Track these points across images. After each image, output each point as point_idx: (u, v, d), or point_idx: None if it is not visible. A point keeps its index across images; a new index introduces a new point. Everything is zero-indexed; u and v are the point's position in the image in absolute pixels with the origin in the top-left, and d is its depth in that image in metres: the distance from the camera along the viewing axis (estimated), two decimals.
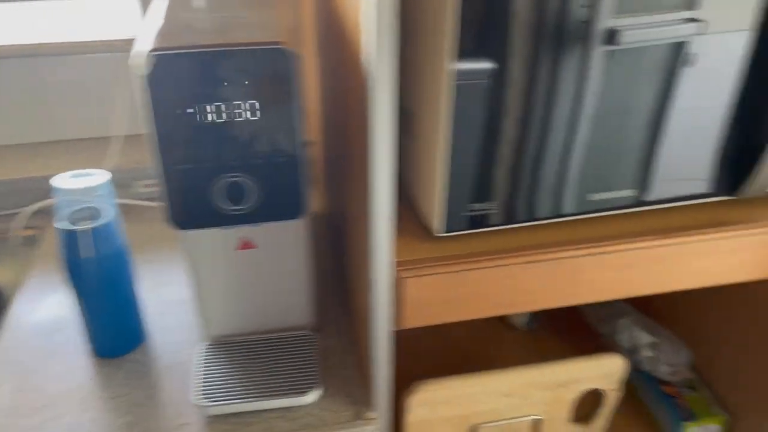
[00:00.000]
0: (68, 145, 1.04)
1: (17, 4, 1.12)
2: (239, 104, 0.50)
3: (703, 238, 0.62)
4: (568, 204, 0.60)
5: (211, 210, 0.54)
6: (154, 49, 0.49)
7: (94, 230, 0.65)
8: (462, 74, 0.50)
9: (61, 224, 0.65)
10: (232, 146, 0.52)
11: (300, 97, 0.52)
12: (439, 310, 0.59)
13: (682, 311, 0.97)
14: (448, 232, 0.58)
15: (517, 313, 1.08)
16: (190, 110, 0.51)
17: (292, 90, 0.51)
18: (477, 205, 0.58)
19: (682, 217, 0.63)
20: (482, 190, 0.57)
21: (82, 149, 1.03)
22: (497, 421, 0.81)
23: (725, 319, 0.87)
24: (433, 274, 0.57)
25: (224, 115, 0.51)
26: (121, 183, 0.99)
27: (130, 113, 1.03)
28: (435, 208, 0.57)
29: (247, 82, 0.50)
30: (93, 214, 0.67)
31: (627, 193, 0.61)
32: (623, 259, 0.61)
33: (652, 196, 0.62)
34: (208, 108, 0.51)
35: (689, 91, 0.56)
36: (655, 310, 1.01)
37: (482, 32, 0.49)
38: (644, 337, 0.94)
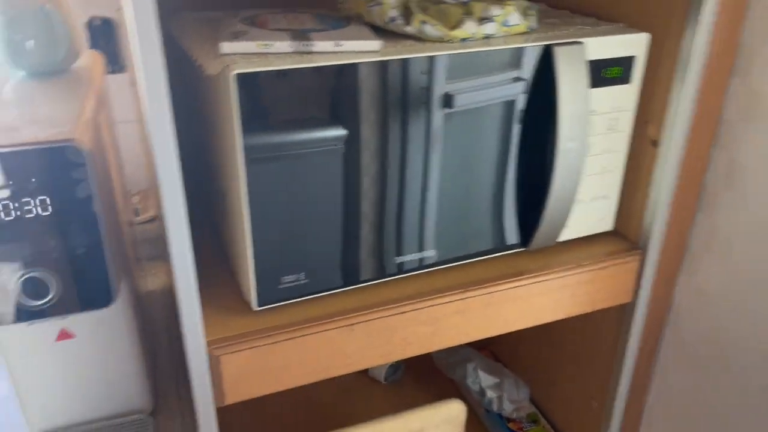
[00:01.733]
0: None
1: None
2: (26, 201, 0.51)
3: (504, 288, 0.69)
4: (378, 268, 0.65)
5: (15, 307, 0.54)
6: None
7: None
8: (251, 151, 0.54)
9: None
10: (27, 243, 0.53)
11: (96, 189, 0.53)
12: (260, 383, 0.61)
13: (522, 350, 1.04)
14: (263, 305, 0.61)
15: (376, 366, 1.12)
16: None
17: (87, 183, 0.53)
18: (289, 278, 0.61)
19: (484, 270, 0.70)
20: (291, 263, 0.60)
21: None
22: None
23: (555, 353, 0.95)
24: (248, 348, 0.59)
25: (15, 212, 0.52)
26: None
27: None
28: (249, 283, 0.60)
29: (36, 179, 0.51)
30: None
31: (431, 253, 0.67)
32: (433, 314, 0.66)
33: (455, 253, 0.68)
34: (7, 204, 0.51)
35: (495, 147, 0.63)
36: (498, 350, 1.08)
37: (265, 112, 0.53)
38: (488, 379, 1.00)
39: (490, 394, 1.00)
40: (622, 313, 0.78)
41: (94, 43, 0.92)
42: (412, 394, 1.07)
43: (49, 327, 0.64)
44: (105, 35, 0.94)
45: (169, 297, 0.96)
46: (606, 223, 0.76)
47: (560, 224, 0.71)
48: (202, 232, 0.72)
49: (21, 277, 0.53)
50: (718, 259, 0.72)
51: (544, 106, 0.63)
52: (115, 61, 0.95)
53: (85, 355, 0.67)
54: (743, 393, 0.73)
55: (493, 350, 1.13)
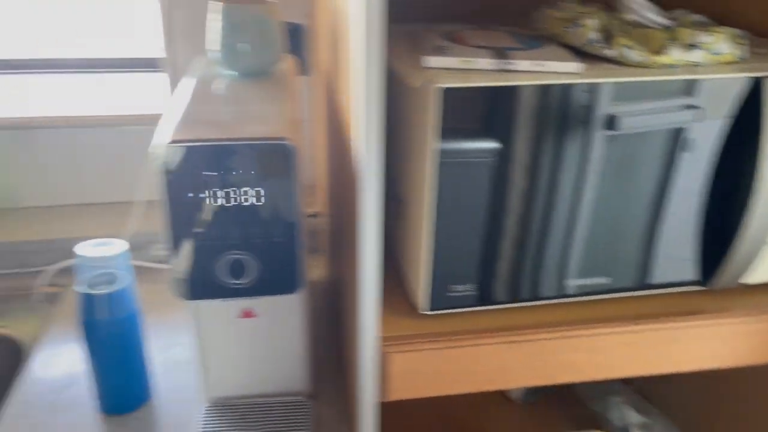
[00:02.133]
0: (94, 208, 1.12)
1: (55, 75, 1.22)
2: (241, 191, 0.57)
3: (677, 326, 0.66)
4: (546, 288, 0.65)
5: (215, 283, 0.60)
6: (173, 141, 0.56)
7: (110, 295, 0.71)
8: (445, 159, 0.56)
9: (80, 287, 0.71)
10: (236, 227, 0.58)
11: (297, 186, 0.58)
12: (422, 384, 0.63)
13: (675, 393, 0.99)
14: (432, 311, 0.63)
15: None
16: (201, 195, 0.57)
17: (291, 179, 0.57)
18: (458, 287, 0.63)
19: (654, 305, 0.67)
20: (463, 273, 0.62)
21: (106, 213, 1.10)
22: None
23: (716, 404, 0.89)
24: (416, 350, 0.62)
25: (228, 200, 0.57)
26: (139, 246, 1.06)
27: (150, 181, 1.11)
28: (420, 288, 0.62)
29: (253, 172, 0.57)
30: (110, 279, 0.73)
31: (603, 279, 0.66)
32: (597, 343, 0.64)
33: (627, 283, 0.66)
34: (217, 193, 0.57)
35: (677, 177, 0.61)
36: (648, 389, 1.03)
37: (463, 119, 0.55)
38: (635, 417, 0.96)
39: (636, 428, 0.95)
40: None
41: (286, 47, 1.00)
42: (549, 418, 1.04)
43: (235, 304, 0.70)
44: (295, 40, 1.02)
45: (326, 288, 1.01)
46: None
47: (746, 266, 0.66)
48: None
49: (228, 257, 0.59)
50: None
51: (743, 140, 0.60)
52: (303, 65, 1.02)
53: (260, 335, 0.72)
54: None
55: (640, 385, 1.07)
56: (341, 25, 0.60)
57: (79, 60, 1.25)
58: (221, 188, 0.57)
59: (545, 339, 0.62)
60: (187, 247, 0.59)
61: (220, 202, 0.58)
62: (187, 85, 0.73)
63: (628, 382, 1.07)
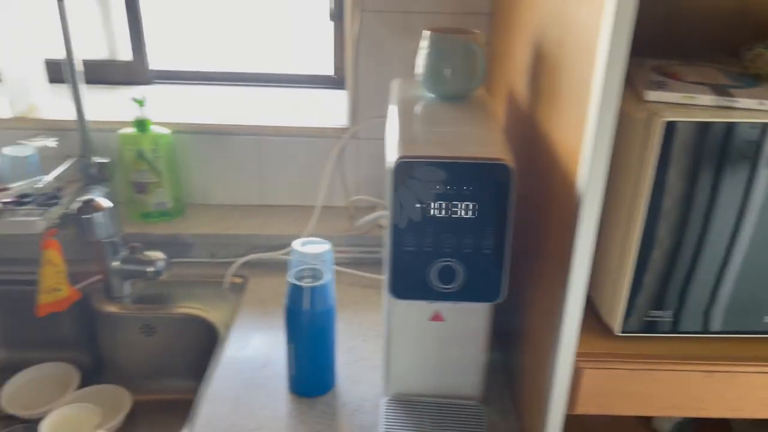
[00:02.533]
0: (278, 209, 1.23)
1: (246, 88, 1.36)
2: (461, 204, 0.63)
3: None
4: (741, 322, 0.65)
5: (425, 286, 0.66)
6: (402, 157, 0.63)
7: (315, 288, 0.79)
8: (658, 190, 0.59)
9: (292, 279, 0.80)
10: (450, 237, 0.64)
11: (511, 204, 0.63)
12: (608, 402, 0.66)
13: None
14: (626, 332, 0.66)
15: (663, 419, 1.09)
16: (423, 205, 0.63)
17: (508, 198, 0.63)
18: (656, 312, 0.65)
19: None
20: (661, 299, 0.64)
21: (289, 214, 1.21)
22: None
23: None
24: (609, 368, 0.64)
25: (447, 212, 0.63)
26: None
27: (329, 188, 1.21)
28: (617, 311, 0.65)
29: (471, 188, 0.62)
30: (315, 274, 0.81)
31: None
32: None
33: None
34: (436, 205, 0.63)
35: None
36: None
37: (670, 168, 0.58)
38: None
39: None
40: None
41: None
42: None
43: (429, 308, 0.76)
44: None
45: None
46: None
47: None
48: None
49: (439, 264, 0.65)
50: None
51: None
52: None
53: (445, 338, 0.78)
54: None
55: None
56: (559, 59, 0.65)
57: (266, 75, 1.38)
58: (441, 200, 0.63)
59: (747, 372, 0.63)
60: (405, 252, 0.65)
61: (439, 213, 0.64)
62: (394, 105, 0.81)
63: None
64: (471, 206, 0.63)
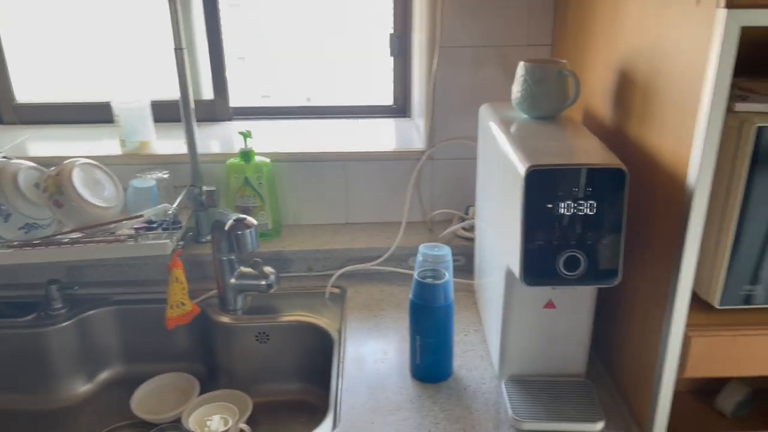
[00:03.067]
0: (363, 226, 1.36)
1: (326, 120, 1.50)
2: (585, 203, 0.76)
3: None
4: None
5: (554, 273, 0.79)
6: (532, 166, 0.76)
7: (438, 285, 0.92)
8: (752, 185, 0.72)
9: (419, 277, 0.92)
10: (574, 231, 0.77)
11: (626, 201, 0.76)
12: (713, 366, 0.78)
13: None
14: (724, 305, 0.78)
15: (726, 399, 1.20)
16: (551, 205, 0.77)
17: (623, 197, 0.76)
18: (748, 287, 0.78)
19: None
20: (754, 276, 0.77)
21: (373, 230, 1.34)
22: None
23: None
24: (712, 335, 0.77)
25: (572, 210, 0.76)
26: (400, 257, 1.28)
27: (410, 206, 1.34)
28: (716, 288, 0.78)
29: (592, 189, 0.76)
30: (435, 274, 0.94)
31: None
32: None
33: None
34: (563, 205, 0.76)
35: None
36: None
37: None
38: None
39: None
40: None
41: None
42: None
43: (542, 296, 0.89)
44: None
45: None
46: None
47: None
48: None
49: (566, 254, 0.78)
50: None
51: None
52: None
53: (556, 322, 0.90)
54: None
55: None
56: (647, 83, 0.79)
57: (331, 107, 1.53)
58: (567, 200, 0.76)
59: None
60: (535, 246, 0.78)
61: (566, 211, 0.77)
62: (492, 125, 0.95)
63: None
64: (593, 205, 0.76)
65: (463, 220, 1.33)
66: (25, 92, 1.51)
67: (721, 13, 0.64)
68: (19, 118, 1.51)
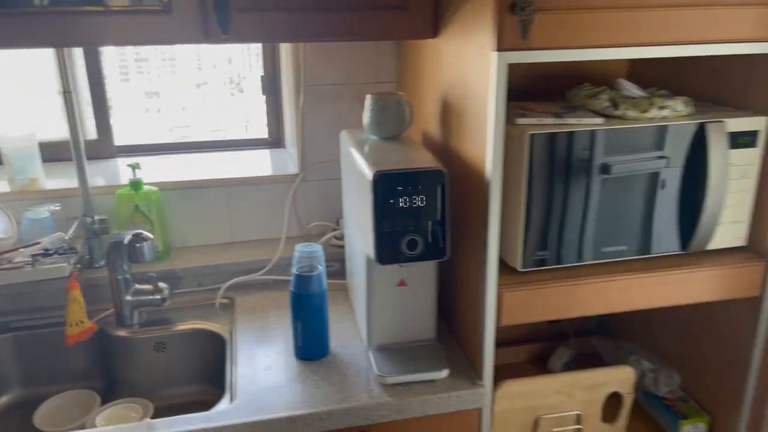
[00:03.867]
0: (247, 244, 1.54)
1: (194, 155, 1.67)
2: (417, 197, 1.00)
3: (667, 274, 1.08)
4: (591, 254, 1.07)
5: (399, 253, 1.02)
6: (378, 171, 1.00)
7: (314, 276, 1.12)
8: (531, 178, 1.00)
9: (297, 272, 1.12)
10: (411, 219, 1.01)
11: (447, 195, 1.01)
12: (522, 314, 1.05)
13: (673, 347, 1.39)
14: (524, 269, 1.05)
15: (555, 360, 1.50)
16: (392, 201, 1.00)
17: (445, 191, 1.01)
18: (540, 253, 1.05)
19: (656, 263, 1.10)
20: (542, 244, 1.05)
21: (257, 246, 1.52)
22: (552, 414, 1.21)
23: (699, 348, 1.30)
24: (518, 291, 1.03)
25: (408, 203, 1.00)
26: (282, 267, 1.47)
27: (288, 222, 1.53)
28: (517, 255, 1.05)
29: (422, 186, 1.00)
30: (311, 268, 1.14)
31: (623, 248, 1.09)
32: (626, 285, 1.07)
33: (639, 252, 1.09)
34: (404, 200, 1.00)
35: (658, 198, 1.06)
36: (655, 346, 1.43)
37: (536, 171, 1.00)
38: (647, 365, 1.36)
39: (649, 376, 1.35)
40: (753, 306, 1.14)
41: None
42: None
43: (395, 276, 1.11)
44: None
45: None
46: (740, 240, 1.14)
47: (708, 237, 1.10)
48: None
49: (407, 238, 1.01)
50: None
51: (698, 161, 1.05)
52: None
53: (408, 298, 1.13)
54: None
55: (652, 345, 1.48)
56: (460, 107, 1.06)
57: (210, 142, 1.71)
58: (404, 196, 1.00)
59: (598, 282, 1.05)
60: (385, 233, 1.01)
61: (404, 204, 1.01)
62: (350, 146, 1.18)
63: (642, 345, 1.47)
64: (423, 198, 1.01)
65: (334, 230, 1.55)
66: None
67: (494, 55, 0.92)
68: None
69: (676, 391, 1.35)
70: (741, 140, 1.07)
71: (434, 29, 1.15)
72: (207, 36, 1.07)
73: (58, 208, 1.37)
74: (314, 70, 1.48)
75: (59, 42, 1.06)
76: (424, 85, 1.30)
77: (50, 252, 1.27)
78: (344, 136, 1.28)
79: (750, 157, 1.09)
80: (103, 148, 1.64)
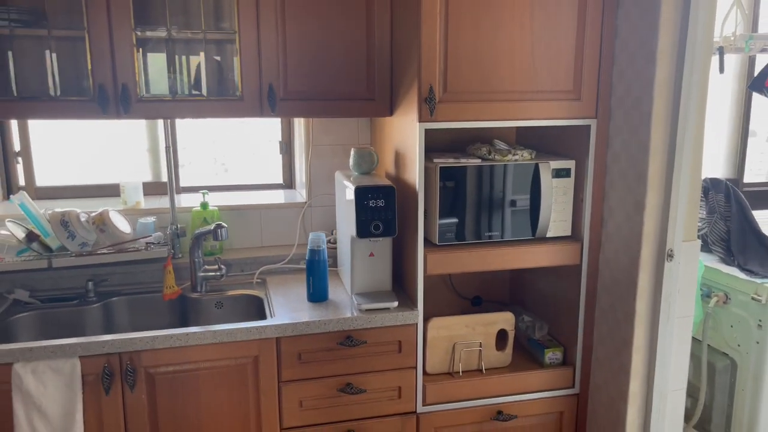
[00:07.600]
0: (273, 247, 2.34)
1: (230, 193, 2.49)
2: (379, 200, 1.83)
3: (525, 247, 1.91)
4: (478, 236, 1.90)
5: (369, 232, 1.83)
6: (358, 186, 1.83)
7: (322, 250, 1.93)
8: (441, 194, 1.84)
9: (311, 246, 1.93)
10: (377, 213, 1.83)
11: (395, 199, 1.84)
12: (441, 268, 1.85)
13: (543, 307, 2.19)
14: (440, 243, 1.87)
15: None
16: (366, 203, 1.83)
17: (394, 198, 1.84)
18: (449, 234, 1.88)
19: (518, 243, 1.92)
20: (449, 229, 1.87)
21: (280, 248, 2.32)
22: (463, 341, 2.00)
23: (557, 306, 2.10)
24: (436, 254, 1.85)
25: (375, 204, 1.83)
26: (296, 260, 2.26)
27: (299, 233, 2.34)
28: (435, 235, 1.87)
29: (382, 194, 1.83)
30: (319, 245, 1.94)
31: (497, 233, 1.91)
32: (501, 254, 1.88)
33: (508, 236, 1.92)
34: (372, 202, 1.83)
35: (517, 204, 1.90)
36: (534, 308, 2.23)
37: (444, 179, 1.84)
38: (527, 319, 2.16)
39: (530, 326, 2.14)
40: (576, 271, 1.96)
41: None
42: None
43: (367, 249, 1.92)
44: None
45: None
46: (567, 231, 1.97)
47: (546, 229, 1.93)
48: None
49: (375, 222, 1.83)
50: (608, 244, 1.91)
51: (537, 185, 1.90)
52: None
53: (376, 264, 1.94)
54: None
55: (531, 308, 2.27)
56: (404, 153, 1.89)
57: (249, 185, 2.53)
58: (373, 200, 1.83)
59: (486, 250, 1.86)
60: (362, 221, 1.83)
61: (373, 204, 1.83)
62: (342, 178, 2.01)
63: (526, 307, 2.26)
64: (383, 201, 1.83)
65: (329, 237, 2.36)
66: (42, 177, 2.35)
67: (418, 124, 1.77)
68: (37, 196, 2.34)
69: (545, 336, 2.14)
70: (560, 173, 1.92)
71: (390, 111, 2.02)
72: (262, 112, 1.92)
73: (154, 219, 2.18)
74: (317, 136, 2.34)
75: (175, 116, 1.91)
76: (385, 142, 2.16)
77: (155, 243, 2.07)
78: (338, 175, 2.12)
79: (567, 183, 1.94)
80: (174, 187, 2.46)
